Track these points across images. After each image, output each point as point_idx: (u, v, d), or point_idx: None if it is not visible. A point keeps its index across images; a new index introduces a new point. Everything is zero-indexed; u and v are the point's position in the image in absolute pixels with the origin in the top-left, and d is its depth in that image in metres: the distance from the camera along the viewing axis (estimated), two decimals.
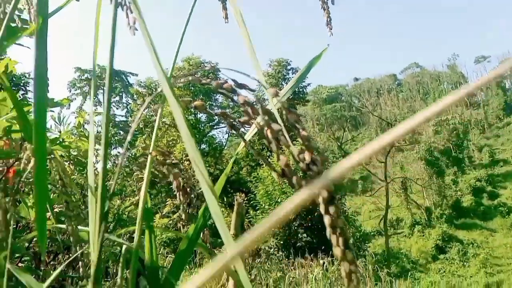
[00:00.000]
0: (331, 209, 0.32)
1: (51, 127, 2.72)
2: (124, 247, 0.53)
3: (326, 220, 0.32)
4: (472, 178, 37.02)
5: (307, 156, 0.34)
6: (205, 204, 0.64)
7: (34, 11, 0.54)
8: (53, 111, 2.94)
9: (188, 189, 0.63)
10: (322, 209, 0.32)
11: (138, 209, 0.54)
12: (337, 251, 0.32)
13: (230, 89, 0.39)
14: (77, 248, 0.57)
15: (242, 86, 0.40)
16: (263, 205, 10.65)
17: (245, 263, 7.46)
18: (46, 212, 0.49)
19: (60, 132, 2.30)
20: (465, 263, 27.19)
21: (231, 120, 0.40)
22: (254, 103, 0.37)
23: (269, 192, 10.52)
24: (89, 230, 0.51)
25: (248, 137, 0.51)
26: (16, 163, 1.15)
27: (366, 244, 13.67)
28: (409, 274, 15.12)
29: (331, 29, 0.73)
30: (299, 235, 9.64)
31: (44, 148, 0.48)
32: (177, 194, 0.61)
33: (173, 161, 0.57)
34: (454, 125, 42.11)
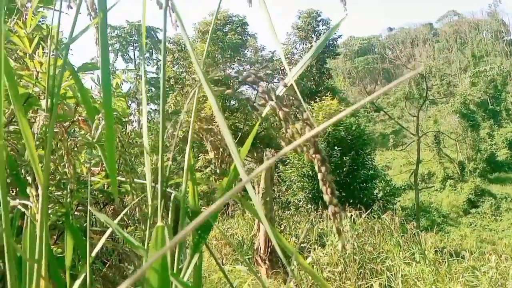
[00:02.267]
0: (323, 168, 0.44)
1: (91, 87, 2.90)
2: (172, 195, 0.67)
3: (319, 175, 0.44)
4: (509, 132, 35.88)
5: (307, 130, 0.46)
6: (234, 164, 0.77)
7: (95, 6, 0.66)
8: (92, 73, 3.10)
9: (221, 149, 0.77)
10: (316, 167, 0.45)
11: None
12: (326, 197, 0.44)
13: (252, 81, 0.51)
14: (134, 196, 0.72)
15: (261, 78, 0.51)
16: (292, 159, 10.84)
17: (275, 214, 7.77)
18: (115, 165, 0.64)
19: (100, 92, 2.48)
20: (497, 217, 27.00)
21: (253, 103, 0.53)
22: (271, 91, 0.49)
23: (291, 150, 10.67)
24: (146, 182, 0.65)
25: (264, 113, 0.62)
26: (71, 124, 1.31)
27: (396, 198, 13.78)
28: (438, 228, 15.23)
29: (345, 4, 0.81)
30: None
31: (111, 114, 0.62)
32: (211, 154, 0.75)
33: (209, 127, 0.70)
34: (492, 76, 40.33)
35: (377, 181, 12.06)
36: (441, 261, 5.41)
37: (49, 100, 0.85)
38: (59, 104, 1.34)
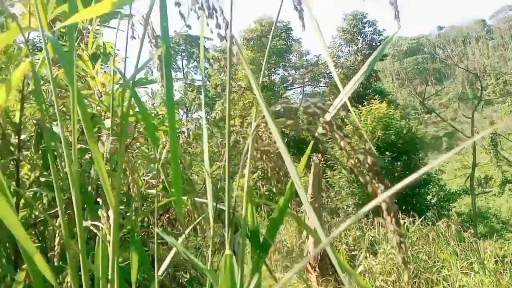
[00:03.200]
0: (387, 199, 0.44)
1: (146, 101, 3.03)
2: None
3: (383, 205, 0.44)
4: None
5: (369, 160, 0.46)
6: (291, 180, 0.78)
7: (159, 39, 0.70)
8: (147, 87, 3.24)
9: (277, 169, 0.78)
10: (383, 207, 0.45)
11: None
12: (391, 227, 0.44)
13: (313, 113, 0.52)
14: (195, 215, 0.75)
15: (322, 109, 0.52)
16: (340, 165, 10.67)
17: (324, 221, 7.68)
18: (181, 187, 0.67)
19: (153, 105, 2.57)
20: None
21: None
22: (332, 123, 0.50)
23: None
24: (208, 202, 0.68)
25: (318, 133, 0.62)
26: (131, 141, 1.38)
27: (450, 204, 13.19)
28: (498, 235, 14.40)
29: (399, 21, 0.81)
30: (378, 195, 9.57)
31: (176, 141, 0.65)
32: (269, 175, 0.77)
33: (265, 148, 0.72)
34: None
35: (431, 186, 11.60)
36: (502, 271, 5.12)
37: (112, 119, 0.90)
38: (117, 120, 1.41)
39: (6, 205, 0.50)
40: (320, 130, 0.52)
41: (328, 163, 11.91)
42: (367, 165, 0.46)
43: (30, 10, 1.21)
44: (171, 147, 0.63)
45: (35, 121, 1.21)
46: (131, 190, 0.79)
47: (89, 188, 0.97)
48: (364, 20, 21.38)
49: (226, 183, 0.60)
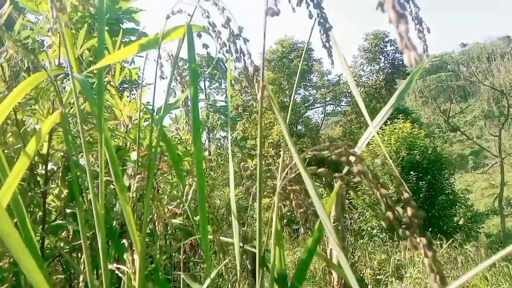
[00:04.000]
0: (430, 253, 0.41)
1: (169, 125, 3.05)
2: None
3: (426, 261, 0.42)
4: None
5: (409, 212, 0.44)
6: (319, 220, 0.76)
7: (186, 81, 0.70)
8: (171, 113, 3.27)
9: (305, 208, 0.76)
10: (423, 253, 0.42)
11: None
12: (434, 286, 0.41)
13: (347, 161, 0.50)
14: (220, 255, 0.74)
15: (353, 154, 0.50)
16: (364, 185, 10.49)
17: (348, 243, 7.52)
18: (207, 227, 0.66)
19: (177, 130, 2.59)
20: None
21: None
22: (367, 172, 0.48)
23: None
24: (234, 243, 0.66)
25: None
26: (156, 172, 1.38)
27: (478, 225, 12.74)
28: None
29: (428, 56, 0.79)
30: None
31: (203, 181, 0.64)
32: (297, 213, 0.75)
33: (294, 187, 0.70)
34: None
35: (457, 207, 11.25)
36: None
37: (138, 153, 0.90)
38: (141, 149, 1.42)
39: (27, 255, 0.50)
40: (356, 179, 0.50)
41: (351, 183, 11.73)
42: (406, 218, 0.43)
43: (60, 42, 1.25)
44: (199, 195, 0.62)
45: (62, 153, 1.22)
46: (157, 227, 0.78)
47: (114, 223, 0.97)
48: (386, 39, 21.33)
49: (257, 230, 0.59)
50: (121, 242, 0.87)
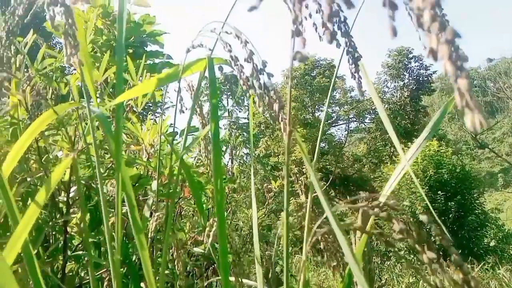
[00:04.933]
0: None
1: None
2: None
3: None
4: None
5: (460, 277, 0.38)
6: (349, 267, 0.70)
7: (207, 116, 0.67)
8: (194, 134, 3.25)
9: (333, 251, 0.71)
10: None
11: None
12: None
13: (387, 217, 0.45)
14: None
15: (394, 208, 0.46)
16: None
17: (374, 265, 7.30)
18: (229, 269, 0.61)
19: (200, 152, 2.56)
20: None
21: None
22: (410, 230, 0.43)
23: (395, 192, 10.07)
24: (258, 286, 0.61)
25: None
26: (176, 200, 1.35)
27: (511, 246, 12.21)
28: None
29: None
30: (432, 238, 9.01)
31: (224, 222, 0.60)
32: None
33: (323, 229, 0.65)
34: None
35: (488, 227, 10.81)
36: None
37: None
38: (163, 177, 1.39)
39: None
40: (397, 236, 0.45)
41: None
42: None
43: (81, 71, 1.24)
44: (219, 230, 0.58)
45: (83, 181, 1.21)
46: (176, 266, 0.74)
47: (134, 257, 0.94)
48: (410, 56, 21.11)
49: (285, 281, 0.54)
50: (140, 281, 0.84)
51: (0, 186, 0.51)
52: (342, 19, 0.62)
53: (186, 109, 0.70)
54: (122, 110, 0.61)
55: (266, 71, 0.50)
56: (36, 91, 1.06)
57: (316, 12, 0.69)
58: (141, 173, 1.16)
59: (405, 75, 20.89)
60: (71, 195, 1.27)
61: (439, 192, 9.34)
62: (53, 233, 1.32)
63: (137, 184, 1.16)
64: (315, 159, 0.70)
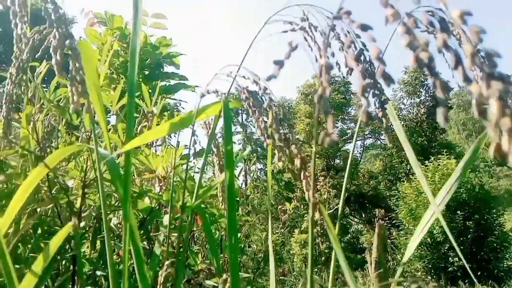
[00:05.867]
0: None
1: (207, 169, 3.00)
2: None
3: None
4: None
5: None
6: None
7: (222, 163, 0.63)
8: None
9: None
10: None
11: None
12: None
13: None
14: None
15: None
16: (407, 225, 10.00)
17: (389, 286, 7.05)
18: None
19: (213, 173, 2.53)
20: None
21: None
22: None
23: (412, 211, 9.84)
24: None
25: None
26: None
27: None
28: None
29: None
30: (450, 258, 8.78)
31: (236, 261, 0.56)
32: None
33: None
34: None
35: (509, 249, 10.46)
36: None
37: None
38: (176, 209, 1.35)
39: None
40: None
41: (393, 222, 11.25)
42: None
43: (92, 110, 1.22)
44: (232, 278, 0.54)
45: (93, 213, 1.18)
46: None
47: None
48: (426, 72, 20.86)
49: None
50: None
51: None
52: (368, 58, 0.58)
53: (202, 148, 0.66)
54: (131, 158, 0.57)
55: (287, 121, 0.46)
56: (48, 122, 1.04)
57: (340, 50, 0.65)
58: (152, 206, 1.13)
59: (421, 91, 20.67)
60: (81, 224, 1.24)
61: (458, 212, 9.11)
62: (63, 262, 1.29)
63: (148, 217, 1.12)
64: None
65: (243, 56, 0.52)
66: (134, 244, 0.54)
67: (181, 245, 0.77)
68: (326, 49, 0.30)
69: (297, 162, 0.43)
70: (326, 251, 14.26)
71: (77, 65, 0.46)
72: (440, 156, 10.17)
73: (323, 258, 14.20)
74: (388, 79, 0.22)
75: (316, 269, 10.80)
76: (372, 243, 6.69)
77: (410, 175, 14.65)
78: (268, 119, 0.48)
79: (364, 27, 0.27)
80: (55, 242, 0.50)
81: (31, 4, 0.79)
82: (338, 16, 0.29)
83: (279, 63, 0.29)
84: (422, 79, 20.89)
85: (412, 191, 10.03)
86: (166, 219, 1.01)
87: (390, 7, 0.24)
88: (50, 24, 0.45)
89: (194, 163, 1.73)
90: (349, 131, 21.91)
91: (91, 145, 0.64)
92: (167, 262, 0.64)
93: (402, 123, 19.42)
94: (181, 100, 3.04)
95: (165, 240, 1.05)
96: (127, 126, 0.56)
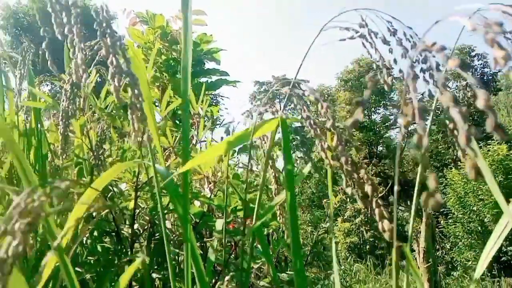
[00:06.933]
0: None
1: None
2: None
3: None
4: None
5: None
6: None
7: (277, 175, 0.62)
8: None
9: None
10: None
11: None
12: None
13: None
14: None
15: None
16: (456, 213, 9.63)
17: (440, 277, 6.87)
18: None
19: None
20: None
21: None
22: None
23: (461, 199, 9.47)
24: None
25: None
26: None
27: None
28: None
29: None
30: (503, 247, 8.40)
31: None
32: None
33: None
34: None
35: None
36: None
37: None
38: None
39: None
40: None
41: (441, 210, 10.88)
42: None
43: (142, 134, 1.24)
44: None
45: (147, 216, 1.20)
46: None
47: None
48: (473, 54, 19.95)
49: None
50: None
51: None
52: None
53: (258, 166, 0.65)
54: (189, 177, 0.56)
55: (354, 143, 0.43)
56: (101, 130, 1.06)
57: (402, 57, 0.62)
58: (204, 210, 1.13)
59: (468, 74, 19.74)
60: (135, 226, 1.26)
61: (510, 199, 8.66)
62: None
63: (200, 222, 1.13)
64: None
65: (298, 68, 0.50)
66: (196, 265, 0.53)
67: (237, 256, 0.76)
68: (415, 85, 0.27)
69: (368, 189, 0.41)
70: (371, 239, 14.00)
71: (136, 91, 0.45)
72: (489, 141, 9.67)
73: (368, 247, 13.97)
74: (502, 132, 0.19)
75: (357, 258, 10.66)
76: (419, 231, 6.50)
77: (458, 161, 14.09)
78: (328, 139, 0.46)
79: (464, 67, 0.24)
80: (124, 279, 0.50)
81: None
82: (428, 49, 0.26)
83: (362, 104, 0.26)
84: (469, 61, 19.94)
85: (461, 178, 9.64)
86: (219, 224, 1.01)
87: (501, 49, 0.21)
88: (106, 51, 0.44)
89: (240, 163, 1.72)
90: (392, 117, 21.32)
91: (147, 162, 0.64)
92: (227, 278, 0.64)
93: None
94: (222, 96, 3.04)
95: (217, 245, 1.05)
96: (183, 146, 0.56)
